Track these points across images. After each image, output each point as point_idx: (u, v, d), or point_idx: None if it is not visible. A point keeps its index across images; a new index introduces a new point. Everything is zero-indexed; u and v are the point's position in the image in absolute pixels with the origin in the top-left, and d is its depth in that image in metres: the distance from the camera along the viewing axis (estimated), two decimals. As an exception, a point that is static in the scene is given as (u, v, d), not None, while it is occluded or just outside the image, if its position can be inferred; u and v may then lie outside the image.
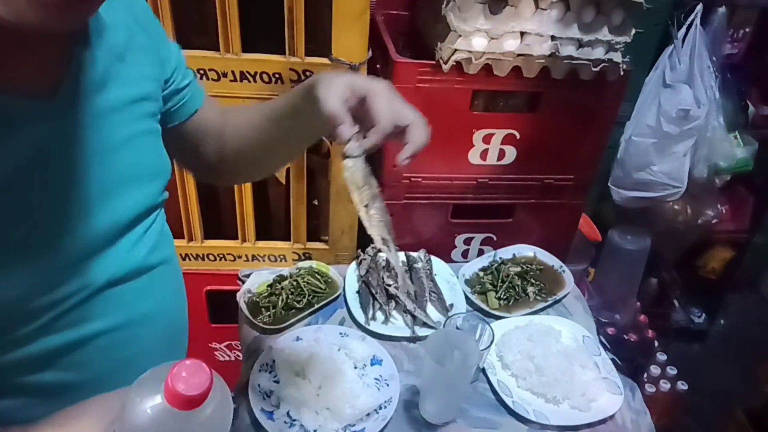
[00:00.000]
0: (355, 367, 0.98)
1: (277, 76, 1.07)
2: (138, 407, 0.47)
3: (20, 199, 0.51)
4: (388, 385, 0.98)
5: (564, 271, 1.29)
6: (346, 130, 0.61)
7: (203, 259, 1.31)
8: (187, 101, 0.74)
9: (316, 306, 1.14)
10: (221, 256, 1.31)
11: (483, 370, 1.04)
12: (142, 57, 0.62)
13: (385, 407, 0.94)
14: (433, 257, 1.27)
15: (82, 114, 0.55)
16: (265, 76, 1.07)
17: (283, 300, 1.13)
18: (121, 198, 0.61)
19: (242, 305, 1.13)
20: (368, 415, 0.92)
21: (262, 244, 1.29)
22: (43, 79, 0.52)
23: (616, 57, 1.12)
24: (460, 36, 1.05)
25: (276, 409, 0.90)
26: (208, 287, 1.31)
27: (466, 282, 1.24)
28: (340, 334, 1.06)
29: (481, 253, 1.35)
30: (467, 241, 1.34)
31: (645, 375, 1.70)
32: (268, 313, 1.11)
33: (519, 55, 1.08)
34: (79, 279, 0.56)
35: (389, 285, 1.14)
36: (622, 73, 1.14)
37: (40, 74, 0.52)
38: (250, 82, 1.07)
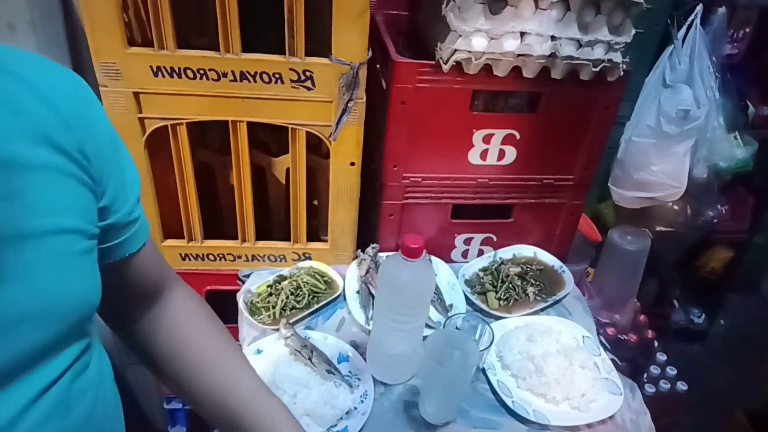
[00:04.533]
0: (328, 371, 0.97)
1: (277, 76, 1.07)
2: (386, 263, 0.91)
3: None
4: (359, 379, 0.98)
5: (564, 271, 1.29)
6: None
7: (203, 259, 1.30)
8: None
9: (316, 306, 1.14)
10: (221, 256, 1.31)
11: (483, 370, 1.04)
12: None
13: (363, 401, 0.94)
14: (433, 257, 1.27)
15: None
16: (265, 76, 1.07)
17: (283, 300, 1.13)
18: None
19: (242, 305, 1.13)
20: (347, 413, 0.92)
21: (262, 244, 1.29)
22: None
23: (616, 57, 1.12)
24: (460, 36, 1.05)
25: None
26: (208, 287, 1.31)
27: (466, 282, 1.24)
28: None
29: (481, 253, 1.35)
30: (467, 242, 1.34)
31: (645, 375, 1.70)
32: (268, 313, 1.12)
33: (519, 55, 1.08)
34: None
35: (389, 285, 1.14)
36: (622, 73, 1.14)
37: None
38: (250, 82, 1.07)
